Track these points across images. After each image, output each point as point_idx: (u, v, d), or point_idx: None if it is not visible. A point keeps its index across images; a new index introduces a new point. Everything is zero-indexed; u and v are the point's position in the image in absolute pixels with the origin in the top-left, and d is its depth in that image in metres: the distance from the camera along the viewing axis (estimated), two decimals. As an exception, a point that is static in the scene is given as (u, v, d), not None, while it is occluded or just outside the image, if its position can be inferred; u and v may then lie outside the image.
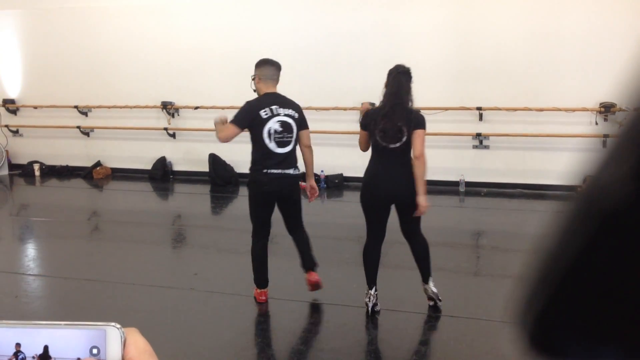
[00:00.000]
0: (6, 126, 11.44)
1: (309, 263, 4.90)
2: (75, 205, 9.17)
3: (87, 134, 11.09)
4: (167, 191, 10.22)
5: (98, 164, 11.00)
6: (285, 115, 4.68)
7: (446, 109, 8.97)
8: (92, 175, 10.79)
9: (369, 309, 4.58)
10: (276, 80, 4.80)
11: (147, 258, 6.23)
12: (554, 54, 8.54)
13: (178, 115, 10.50)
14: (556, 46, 8.51)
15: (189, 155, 10.50)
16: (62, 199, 9.77)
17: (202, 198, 9.56)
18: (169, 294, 5.14)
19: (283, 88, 9.77)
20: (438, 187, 9.12)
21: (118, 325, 0.53)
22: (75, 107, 10.89)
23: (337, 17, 9.35)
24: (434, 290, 4.60)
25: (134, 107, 10.47)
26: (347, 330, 4.50)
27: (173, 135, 10.58)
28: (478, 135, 9.03)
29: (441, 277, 5.58)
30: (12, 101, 11.37)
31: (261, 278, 4.87)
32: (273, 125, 4.63)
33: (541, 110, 8.60)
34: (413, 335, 4.38)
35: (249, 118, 4.65)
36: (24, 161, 11.43)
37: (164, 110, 10.44)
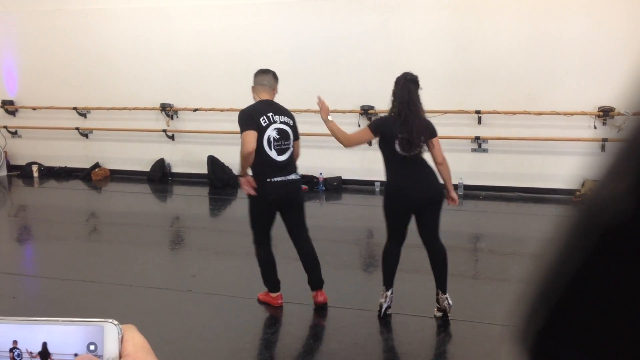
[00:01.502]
0: (5, 127, 11.43)
1: (315, 282, 4.80)
2: (73, 207, 9.17)
3: (86, 136, 11.09)
4: (166, 193, 10.22)
5: (97, 165, 10.99)
6: (282, 122, 4.66)
7: (445, 112, 8.97)
8: (90, 176, 10.78)
9: (383, 310, 4.54)
10: (271, 87, 4.75)
11: (145, 260, 6.23)
12: (552, 58, 8.55)
13: (177, 117, 10.50)
14: (555, 50, 8.52)
15: (187, 157, 10.50)
16: (60, 200, 9.76)
17: (201, 200, 9.56)
18: (166, 296, 5.13)
19: (282, 91, 9.75)
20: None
21: (115, 322, 0.53)
22: (74, 108, 10.89)
23: (336, 20, 9.37)
24: (449, 302, 4.47)
25: (133, 108, 10.47)
26: (345, 332, 4.50)
27: (172, 137, 10.58)
28: (477, 138, 9.04)
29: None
30: (10, 102, 11.37)
31: (273, 282, 4.82)
32: (271, 133, 4.60)
33: (540, 114, 8.61)
34: (411, 338, 4.38)
35: (251, 122, 4.56)
36: (22, 162, 11.42)
37: (163, 112, 10.44)
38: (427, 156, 4.57)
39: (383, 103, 9.22)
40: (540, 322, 0.45)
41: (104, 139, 10.99)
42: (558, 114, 8.54)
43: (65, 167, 11.18)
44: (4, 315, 0.55)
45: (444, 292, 4.50)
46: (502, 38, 8.71)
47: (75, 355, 0.52)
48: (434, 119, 8.84)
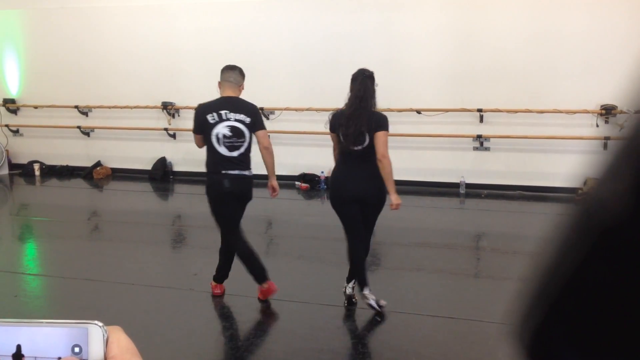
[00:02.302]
0: (6, 126, 11.44)
1: (221, 276, 4.97)
2: (75, 205, 9.17)
3: (88, 134, 11.09)
4: (167, 191, 10.22)
5: (98, 164, 11.00)
6: (236, 120, 4.69)
7: (446, 110, 8.97)
8: (92, 175, 10.79)
9: (376, 306, 4.59)
10: (234, 83, 4.80)
11: (147, 258, 6.23)
12: (554, 56, 8.54)
13: (178, 115, 10.50)
14: (557, 48, 8.51)
15: (189, 156, 10.47)
16: (62, 199, 9.77)
17: (202, 198, 9.45)
18: (168, 295, 5.13)
19: (284, 89, 9.76)
20: (438, 189, 9.12)
21: (100, 324, 0.52)
22: (76, 107, 10.89)
23: (337, 19, 9.35)
24: (350, 292, 4.72)
25: (135, 107, 10.47)
26: (347, 331, 4.50)
27: (173, 136, 10.58)
28: (478, 137, 9.03)
29: (441, 278, 5.59)
30: (12, 101, 11.37)
31: (260, 273, 4.82)
32: (221, 130, 4.67)
33: (542, 112, 8.60)
34: (412, 336, 4.38)
35: (198, 122, 4.75)
36: (24, 161, 11.43)
37: (164, 111, 10.43)
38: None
39: (385, 101, 9.22)
40: (537, 320, 0.45)
41: (105, 138, 10.99)
42: (560, 112, 8.53)
43: (67, 165, 11.19)
44: (5, 315, 0.55)
45: (348, 281, 4.71)
46: (504, 36, 8.69)
47: (59, 358, 0.51)
48: (435, 117, 8.94)
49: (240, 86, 4.83)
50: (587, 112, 8.48)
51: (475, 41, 8.82)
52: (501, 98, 8.76)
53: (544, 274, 0.46)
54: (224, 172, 4.71)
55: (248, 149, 4.77)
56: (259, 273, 4.82)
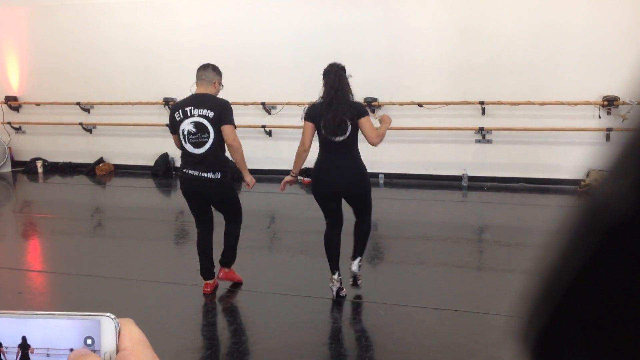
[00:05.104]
0: (9, 123, 11.45)
1: (223, 260, 5.08)
2: (77, 202, 9.19)
3: (90, 131, 11.10)
4: (170, 187, 10.23)
5: (100, 160, 11.02)
6: (199, 115, 4.70)
7: (448, 103, 8.95)
8: (94, 171, 10.81)
9: (334, 293, 4.74)
10: (206, 80, 4.82)
11: (150, 254, 6.24)
12: (556, 47, 8.51)
13: (180, 111, 10.50)
14: (559, 39, 8.49)
15: (191, 151, 10.50)
16: (64, 195, 9.79)
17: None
18: (171, 290, 5.15)
19: (286, 83, 9.73)
20: (441, 182, 9.11)
21: (112, 316, 0.52)
22: (78, 103, 10.90)
23: (338, 12, 9.34)
24: (355, 269, 4.76)
25: (136, 103, 10.47)
26: (350, 324, 4.51)
27: (175, 132, 10.58)
28: (481, 129, 9.01)
29: (444, 271, 5.59)
30: (14, 98, 11.38)
31: (202, 268, 5.01)
32: (186, 127, 4.71)
33: (544, 104, 8.58)
34: (415, 329, 4.38)
35: (171, 122, 4.85)
36: (26, 158, 11.45)
37: (166, 107, 10.43)
38: (362, 146, 4.64)
39: (387, 95, 9.23)
40: (543, 321, 0.45)
41: (107, 134, 11.00)
42: (562, 103, 8.51)
43: (70, 162, 11.21)
44: (9, 310, 0.55)
45: (354, 258, 4.76)
46: (505, 28, 8.67)
47: (71, 349, 0.52)
48: (437, 110, 8.93)
49: (214, 83, 4.84)
50: (589, 103, 8.46)
51: (476, 34, 8.80)
52: (503, 90, 8.74)
53: (549, 273, 0.46)
54: (184, 170, 4.81)
55: (216, 146, 4.71)
56: (202, 269, 5.01)
